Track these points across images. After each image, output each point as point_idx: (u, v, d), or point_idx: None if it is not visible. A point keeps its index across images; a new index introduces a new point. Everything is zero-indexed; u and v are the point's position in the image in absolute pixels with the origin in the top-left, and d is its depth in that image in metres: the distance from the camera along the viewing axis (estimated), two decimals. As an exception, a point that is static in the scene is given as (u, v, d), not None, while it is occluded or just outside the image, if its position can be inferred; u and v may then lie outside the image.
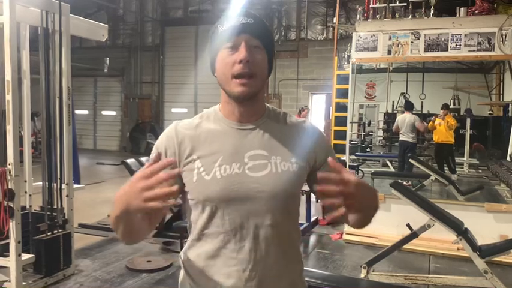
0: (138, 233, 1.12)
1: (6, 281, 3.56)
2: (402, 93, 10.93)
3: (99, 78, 16.35)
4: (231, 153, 1.16)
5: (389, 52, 5.08)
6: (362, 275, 3.84)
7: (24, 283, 3.55)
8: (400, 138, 8.10)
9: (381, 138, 10.97)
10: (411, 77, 11.05)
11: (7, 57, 3.37)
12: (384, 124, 10.83)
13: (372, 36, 5.12)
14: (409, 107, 8.39)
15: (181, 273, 1.27)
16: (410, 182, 7.20)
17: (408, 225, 3.77)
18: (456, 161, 8.97)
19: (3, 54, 3.40)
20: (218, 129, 1.19)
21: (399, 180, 7.57)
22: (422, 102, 10.79)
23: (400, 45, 5.02)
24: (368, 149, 11.35)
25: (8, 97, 3.39)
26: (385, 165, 10.46)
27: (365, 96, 10.88)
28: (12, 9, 3.36)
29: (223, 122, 1.20)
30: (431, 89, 11.14)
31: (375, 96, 10.92)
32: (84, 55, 13.64)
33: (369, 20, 5.31)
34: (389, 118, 10.59)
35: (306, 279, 2.57)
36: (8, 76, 3.38)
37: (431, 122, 8.64)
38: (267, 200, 1.14)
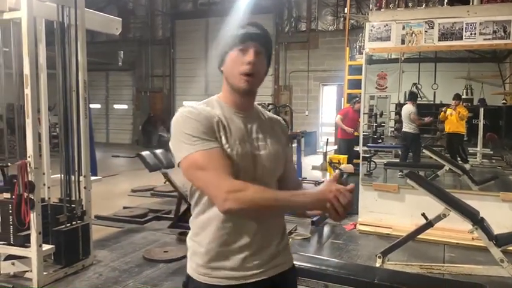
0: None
1: (28, 271, 3.64)
2: (414, 84, 10.85)
3: (110, 72, 16.47)
4: (241, 134, 1.40)
5: (402, 42, 5.04)
6: (377, 265, 3.85)
7: (45, 273, 3.64)
8: (402, 129, 8.08)
9: (393, 129, 10.93)
10: (423, 67, 10.94)
11: (25, 51, 3.41)
12: (395, 115, 10.76)
13: (385, 26, 5.08)
14: (411, 97, 8.32)
15: (192, 237, 1.44)
16: (424, 173, 7.17)
17: (423, 214, 3.77)
18: (469, 151, 8.89)
19: (21, 49, 3.46)
20: (227, 115, 1.41)
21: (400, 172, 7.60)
22: (434, 93, 10.70)
23: (413, 35, 4.98)
24: (380, 140, 11.30)
25: (27, 91, 3.45)
26: (397, 156, 10.42)
27: (376, 87, 10.80)
28: (29, 3, 3.40)
29: (228, 109, 1.42)
30: (444, 79, 11.03)
31: (387, 87, 10.82)
32: (95, 50, 13.66)
33: (382, 10, 5.28)
34: (401, 109, 10.53)
35: (323, 267, 2.61)
36: (27, 70, 3.43)
37: (442, 113, 8.57)
38: (268, 173, 1.42)
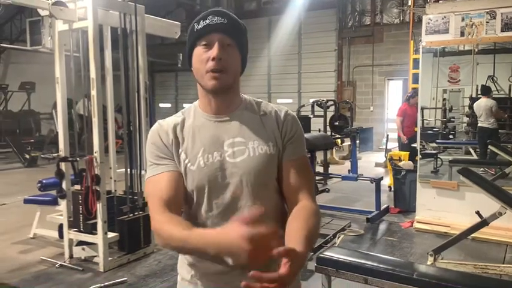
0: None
1: (95, 256, 4.02)
2: (489, 76, 10.26)
3: (179, 72, 17.20)
4: (211, 143, 1.27)
5: (462, 34, 4.85)
6: (429, 263, 3.79)
7: (110, 258, 4.00)
8: (479, 125, 7.68)
9: (465, 124, 10.42)
10: (500, 58, 10.30)
11: (91, 56, 3.78)
12: (469, 109, 10.24)
13: (443, 19, 4.92)
14: (485, 91, 7.89)
15: (179, 259, 1.37)
16: (494, 170, 6.81)
17: (478, 212, 3.66)
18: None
19: (88, 54, 3.82)
20: (197, 124, 1.30)
21: (481, 169, 7.24)
22: (510, 86, 10.05)
23: (473, 26, 4.77)
24: (451, 136, 10.81)
25: (93, 92, 3.81)
26: (468, 152, 9.93)
27: (448, 80, 10.38)
28: (94, 13, 3.75)
29: (202, 116, 1.32)
30: (523, 70, 10.30)
31: (459, 80, 10.38)
32: (164, 51, 14.39)
33: (440, 2, 5.11)
34: (473, 103, 10.01)
35: (362, 261, 2.65)
36: (93, 74, 3.79)
37: None
38: (246, 182, 1.24)
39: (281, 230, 1.14)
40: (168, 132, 1.29)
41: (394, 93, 13.42)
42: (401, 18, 12.69)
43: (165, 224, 1.16)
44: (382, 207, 5.72)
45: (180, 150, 1.27)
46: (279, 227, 1.07)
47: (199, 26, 1.24)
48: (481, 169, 7.11)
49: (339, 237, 4.74)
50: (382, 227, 5.33)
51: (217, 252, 1.03)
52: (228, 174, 1.25)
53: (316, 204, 1.29)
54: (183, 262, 1.36)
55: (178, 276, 1.39)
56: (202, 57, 1.23)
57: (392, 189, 6.31)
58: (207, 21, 1.23)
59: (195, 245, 1.09)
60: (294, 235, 1.15)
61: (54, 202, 4.70)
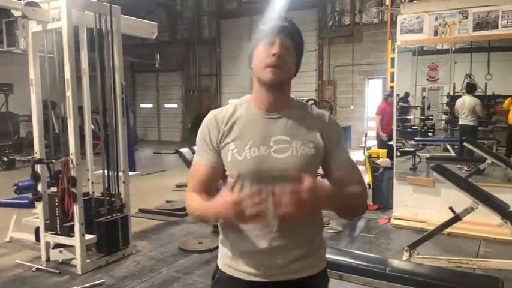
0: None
1: (73, 258, 3.99)
2: (467, 75, 10.45)
3: (160, 73, 17.10)
4: (259, 137, 1.39)
5: (436, 33, 4.95)
6: (404, 258, 3.86)
7: (88, 260, 3.97)
8: (460, 122, 7.82)
9: (444, 121, 10.59)
10: (477, 57, 10.50)
11: (66, 57, 3.74)
12: (446, 106, 10.42)
13: (417, 18, 5.01)
14: (470, 89, 8.05)
15: (220, 236, 1.52)
16: (470, 167, 6.95)
17: (451, 208, 3.74)
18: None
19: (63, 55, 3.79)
20: (250, 118, 1.43)
21: (459, 165, 7.38)
22: (486, 83, 10.25)
23: (447, 26, 4.88)
24: (430, 134, 10.98)
25: (68, 93, 3.78)
26: (446, 150, 10.10)
27: (427, 79, 10.54)
28: (68, 14, 3.72)
29: (254, 111, 1.44)
30: (499, 69, 10.51)
31: (438, 79, 10.56)
32: (145, 51, 14.29)
33: (414, 2, 5.20)
34: (452, 101, 10.18)
35: (337, 258, 2.68)
36: (68, 75, 3.76)
37: (507, 101, 8.21)
38: (289, 177, 1.30)
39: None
40: (219, 124, 1.43)
41: (373, 92, 13.57)
42: (380, 18, 12.84)
43: (189, 200, 1.43)
44: (361, 205, 5.78)
45: (229, 140, 1.41)
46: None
47: (265, 27, 1.40)
48: (458, 166, 7.25)
49: (317, 235, 4.78)
50: (360, 223, 5.40)
51: (214, 214, 1.30)
52: (271, 168, 1.37)
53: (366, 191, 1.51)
54: (225, 239, 1.48)
55: (219, 253, 1.53)
56: (264, 53, 1.37)
57: (371, 186, 6.40)
58: (272, 23, 1.40)
59: (203, 212, 1.37)
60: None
61: (30, 205, 4.64)
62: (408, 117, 10.55)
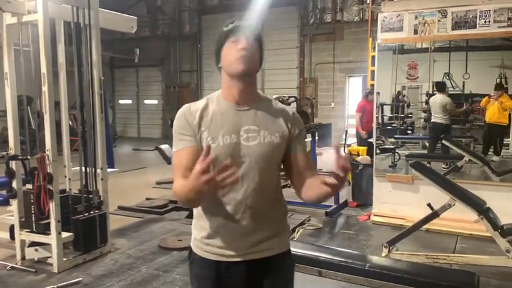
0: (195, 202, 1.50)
1: (49, 257, 3.90)
2: (445, 73, 10.62)
3: (140, 68, 16.89)
4: (231, 127, 1.52)
5: (415, 32, 5.01)
6: (383, 254, 3.90)
7: (64, 259, 3.89)
8: (432, 120, 7.95)
9: (423, 119, 10.74)
10: (455, 56, 10.67)
11: (42, 51, 3.65)
12: (425, 105, 10.58)
13: (397, 17, 5.06)
14: (440, 87, 8.18)
15: (193, 220, 1.64)
16: (448, 165, 7.06)
17: (429, 204, 3.79)
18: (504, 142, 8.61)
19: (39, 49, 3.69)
20: (221, 110, 1.55)
21: (443, 164, 7.49)
22: (464, 82, 10.44)
23: (426, 24, 4.93)
24: (409, 131, 11.13)
25: (44, 88, 3.69)
26: (425, 147, 10.25)
27: (407, 77, 10.67)
28: (45, 6, 3.63)
29: (225, 104, 1.56)
30: (476, 68, 10.68)
31: (417, 77, 10.70)
32: (125, 46, 14.10)
33: (394, 0, 5.25)
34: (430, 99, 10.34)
35: (316, 254, 2.69)
36: (44, 69, 3.67)
37: (484, 100, 8.34)
38: (255, 162, 1.52)
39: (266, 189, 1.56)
40: (194, 114, 1.54)
41: (354, 90, 13.67)
42: (361, 16, 12.93)
43: (175, 187, 1.47)
44: (341, 201, 5.84)
45: (203, 129, 1.52)
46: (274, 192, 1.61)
47: (229, 27, 1.53)
48: (442, 166, 7.36)
49: (298, 232, 4.80)
50: (341, 220, 5.44)
51: (190, 190, 1.32)
52: (242, 154, 1.51)
53: None
54: (197, 222, 1.61)
55: (192, 235, 1.65)
56: (233, 49, 1.50)
57: (351, 183, 6.44)
58: (235, 23, 1.53)
59: (184, 192, 1.38)
60: (317, 182, 1.48)
61: (5, 202, 4.53)
62: (388, 115, 10.68)
